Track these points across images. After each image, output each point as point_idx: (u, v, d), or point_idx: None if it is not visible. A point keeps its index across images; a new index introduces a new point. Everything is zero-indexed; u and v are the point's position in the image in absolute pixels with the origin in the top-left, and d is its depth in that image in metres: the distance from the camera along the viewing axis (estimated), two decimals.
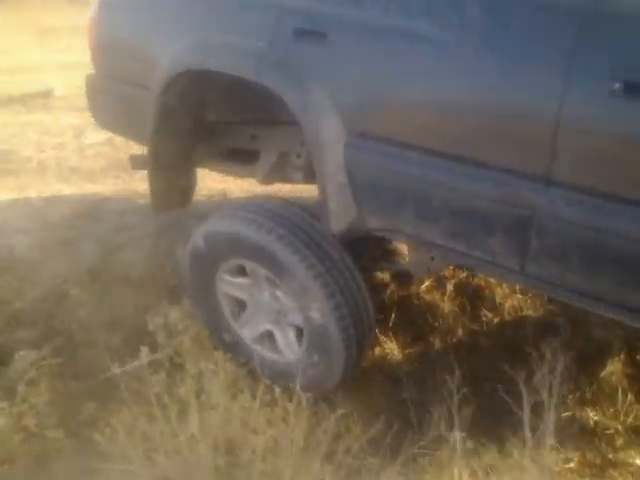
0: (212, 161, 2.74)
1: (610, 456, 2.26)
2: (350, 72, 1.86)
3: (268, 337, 2.49)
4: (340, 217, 2.00)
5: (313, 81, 1.91)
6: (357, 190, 1.94)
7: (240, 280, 2.43)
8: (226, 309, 2.53)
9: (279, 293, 2.33)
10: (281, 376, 2.43)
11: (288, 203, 2.31)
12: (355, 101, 1.87)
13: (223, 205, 2.46)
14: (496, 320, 2.76)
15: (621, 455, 2.25)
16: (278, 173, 2.55)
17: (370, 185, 1.92)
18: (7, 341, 2.72)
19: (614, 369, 2.52)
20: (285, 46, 1.97)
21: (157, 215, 3.47)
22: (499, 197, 1.66)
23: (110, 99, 2.71)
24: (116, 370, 2.63)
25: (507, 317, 2.77)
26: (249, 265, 2.33)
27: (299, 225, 2.20)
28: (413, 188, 1.82)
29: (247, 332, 2.53)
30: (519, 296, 2.85)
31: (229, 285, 2.47)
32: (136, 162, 2.78)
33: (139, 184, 4.09)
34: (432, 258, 2.15)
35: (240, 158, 2.73)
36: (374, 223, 1.99)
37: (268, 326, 2.47)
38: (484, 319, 2.77)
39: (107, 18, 2.58)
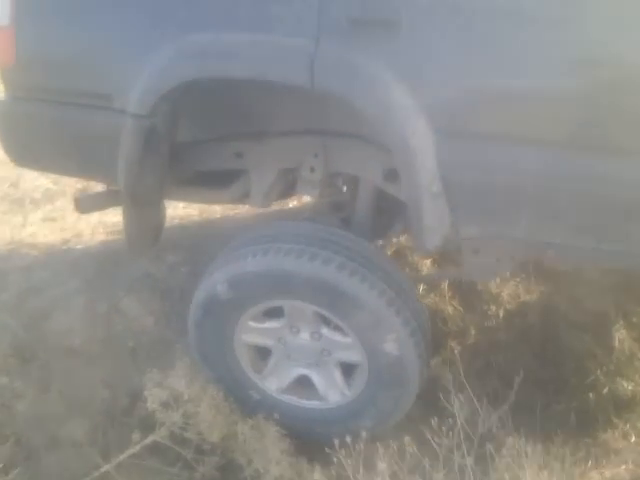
0: (179, 190, 2.29)
1: None
2: (438, 64, 1.60)
3: (302, 384, 2.14)
4: (435, 231, 1.74)
5: (390, 80, 1.61)
6: (454, 198, 1.70)
7: (269, 325, 2.05)
8: (246, 362, 2.12)
9: (324, 330, 2.00)
10: (321, 424, 2.12)
11: (328, 225, 1.99)
12: (448, 97, 1.62)
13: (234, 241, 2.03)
14: (500, 311, 2.69)
15: None
16: (278, 192, 2.20)
17: (471, 190, 1.69)
18: None
19: (622, 336, 2.58)
20: (340, 40, 1.65)
21: (71, 268, 2.89)
22: None
23: (42, 128, 2.10)
24: (105, 467, 2.10)
25: (509, 306, 2.71)
26: (290, 305, 1.96)
27: (353, 249, 1.90)
28: (532, 186, 1.62)
29: (273, 383, 2.16)
30: (511, 283, 2.81)
31: (253, 333, 2.07)
32: (86, 204, 2.22)
33: (11, 232, 3.35)
34: (497, 260, 1.98)
35: (207, 183, 2.31)
36: (471, 231, 1.76)
37: (302, 371, 2.12)
38: (489, 313, 2.68)
39: (33, 24, 1.98)
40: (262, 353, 2.16)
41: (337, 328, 1.97)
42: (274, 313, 2.04)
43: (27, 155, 2.22)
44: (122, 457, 2.13)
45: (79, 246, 3.12)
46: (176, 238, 3.08)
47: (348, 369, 2.08)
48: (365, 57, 1.62)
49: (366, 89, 1.62)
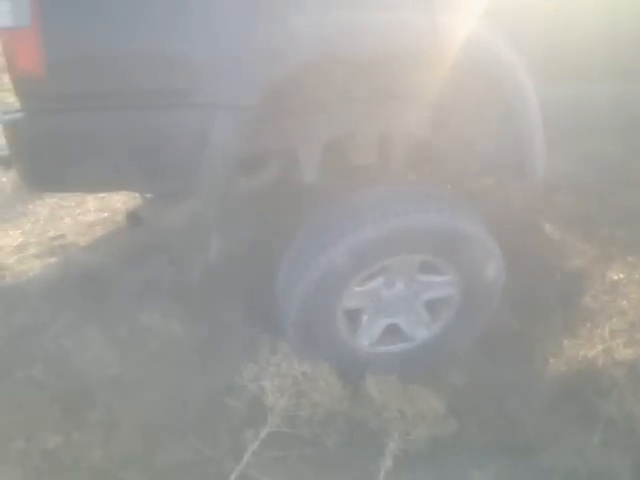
0: None
1: None
2: None
3: (390, 332, 2.30)
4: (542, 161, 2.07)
5: None
6: None
7: (370, 286, 2.16)
8: (343, 327, 2.21)
9: (420, 276, 2.19)
10: (412, 361, 2.33)
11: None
12: None
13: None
14: None
15: None
16: None
17: None
18: None
19: None
20: None
21: (49, 297, 2.54)
22: None
23: (90, 141, 1.83)
24: (237, 470, 2.03)
25: None
26: (397, 261, 2.10)
27: (446, 198, 2.13)
28: None
29: (365, 340, 2.28)
30: None
31: (354, 297, 2.16)
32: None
33: None
34: None
35: None
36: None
37: (390, 320, 2.28)
38: None
39: (70, 20, 1.70)
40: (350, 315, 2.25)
41: (433, 270, 2.18)
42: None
43: (57, 176, 1.90)
44: (246, 457, 2.06)
45: (28, 272, 2.69)
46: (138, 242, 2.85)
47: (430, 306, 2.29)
48: None
49: None
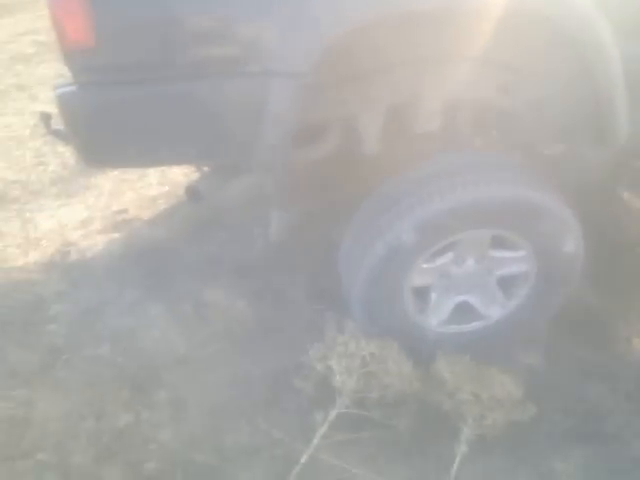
0: None
1: None
2: None
3: (460, 310, 2.19)
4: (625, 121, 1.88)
5: None
6: None
7: (439, 262, 2.05)
8: (411, 305, 2.11)
9: (492, 252, 2.06)
10: (486, 342, 2.21)
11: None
12: None
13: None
14: None
15: None
16: None
17: None
18: None
19: None
20: None
21: (114, 273, 2.53)
22: None
23: (148, 113, 1.76)
24: (305, 456, 1.98)
25: None
26: (467, 236, 1.98)
27: (516, 167, 1.98)
28: None
29: (435, 319, 2.18)
30: None
31: (422, 274, 2.06)
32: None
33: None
34: None
35: None
36: None
37: (461, 298, 2.17)
38: None
39: None
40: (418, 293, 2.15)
41: (505, 246, 2.04)
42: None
43: (113, 151, 1.85)
44: (316, 440, 2.00)
45: (92, 248, 2.71)
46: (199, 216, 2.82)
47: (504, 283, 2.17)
48: None
49: None
